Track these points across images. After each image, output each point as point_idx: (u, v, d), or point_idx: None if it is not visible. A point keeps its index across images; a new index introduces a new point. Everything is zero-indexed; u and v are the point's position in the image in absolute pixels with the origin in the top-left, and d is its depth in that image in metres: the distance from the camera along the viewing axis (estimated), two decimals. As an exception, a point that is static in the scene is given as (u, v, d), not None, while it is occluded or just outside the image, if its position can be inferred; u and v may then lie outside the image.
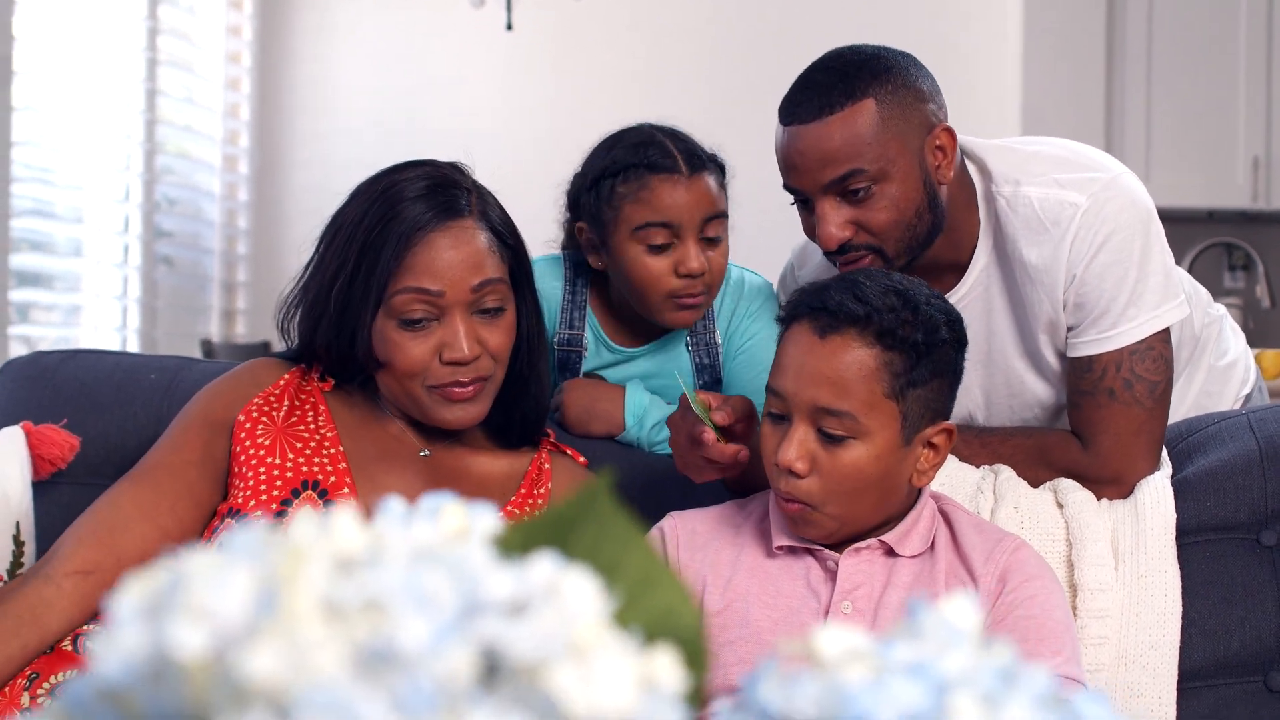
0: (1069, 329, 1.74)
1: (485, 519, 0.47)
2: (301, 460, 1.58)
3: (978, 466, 1.74)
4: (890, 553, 1.46)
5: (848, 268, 1.68)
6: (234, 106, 5.10)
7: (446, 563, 0.40)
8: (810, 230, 1.73)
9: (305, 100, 5.28)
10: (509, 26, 4.53)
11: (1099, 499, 1.71)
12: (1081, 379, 1.74)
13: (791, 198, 1.75)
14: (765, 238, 2.75)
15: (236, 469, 1.58)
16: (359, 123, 5.19)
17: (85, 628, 1.48)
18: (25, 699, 1.41)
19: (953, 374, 1.45)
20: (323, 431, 1.62)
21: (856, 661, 0.44)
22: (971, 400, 1.86)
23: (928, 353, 1.39)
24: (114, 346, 4.31)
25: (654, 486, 1.72)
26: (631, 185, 1.75)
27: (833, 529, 1.44)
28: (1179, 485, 1.71)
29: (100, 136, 4.28)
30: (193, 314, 4.87)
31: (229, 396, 1.64)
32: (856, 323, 1.37)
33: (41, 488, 1.73)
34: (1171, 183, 4.64)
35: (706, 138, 1.86)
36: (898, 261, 1.69)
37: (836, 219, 1.67)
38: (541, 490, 1.67)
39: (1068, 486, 1.71)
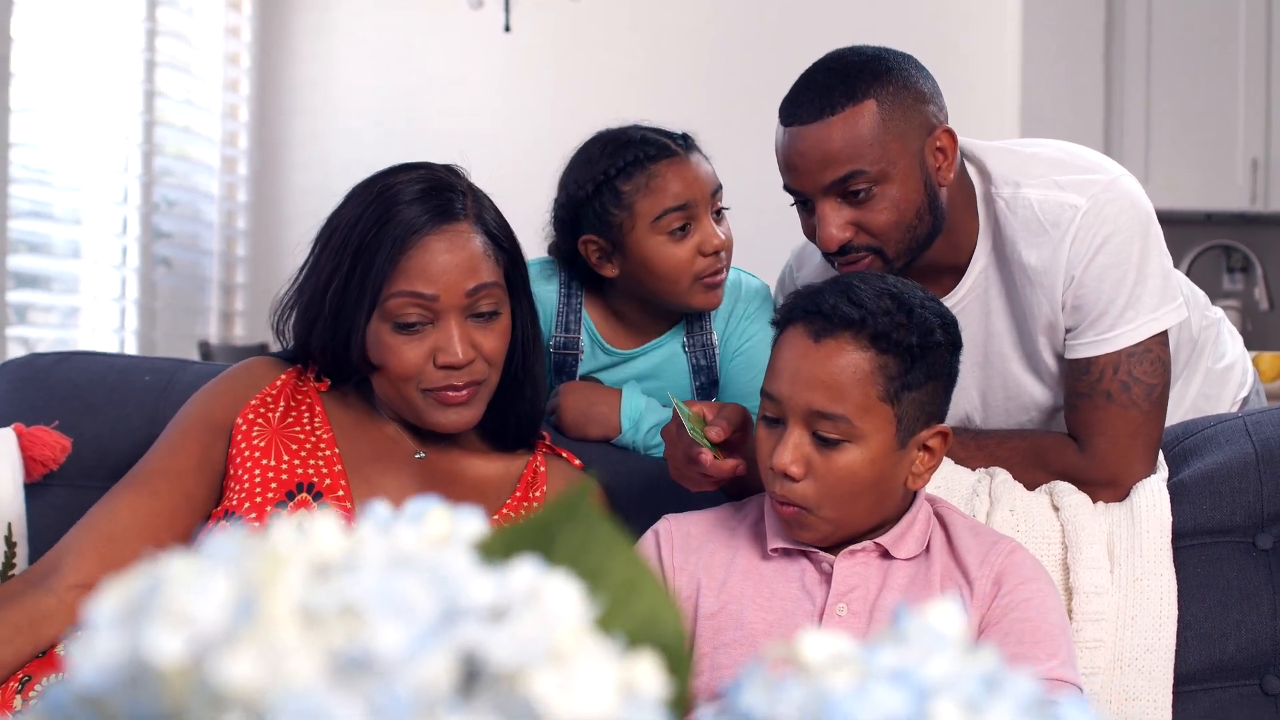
0: (1067, 331, 1.74)
1: (470, 524, 0.47)
2: (297, 462, 1.57)
3: (974, 469, 1.74)
4: (885, 555, 1.46)
5: (847, 269, 1.68)
6: (233, 108, 5.10)
7: (425, 568, 0.39)
8: (810, 231, 1.73)
9: (304, 102, 5.28)
10: (507, 28, 4.53)
11: (1095, 502, 1.71)
12: (1079, 381, 1.73)
13: (791, 199, 1.74)
14: (764, 238, 2.75)
15: (232, 471, 1.58)
16: (358, 124, 5.19)
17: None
18: (18, 701, 1.41)
19: (947, 377, 1.45)
20: (318, 433, 1.62)
21: (840, 667, 0.44)
22: (969, 402, 1.85)
23: (922, 356, 1.39)
24: (112, 348, 4.31)
25: (649, 489, 1.72)
26: (638, 179, 1.75)
27: (828, 532, 1.43)
28: (1175, 488, 1.71)
29: (98, 138, 4.28)
30: (191, 315, 4.87)
31: (227, 398, 1.63)
32: (851, 326, 1.37)
33: (34, 489, 1.73)
34: (1170, 185, 4.63)
35: (705, 139, 1.87)
36: (897, 263, 1.69)
37: (837, 220, 1.67)
38: (537, 493, 1.67)
39: (1063, 489, 1.71)
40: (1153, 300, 1.71)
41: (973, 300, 1.81)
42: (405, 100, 5.20)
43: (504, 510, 1.63)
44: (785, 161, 1.70)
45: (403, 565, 0.39)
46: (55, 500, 1.74)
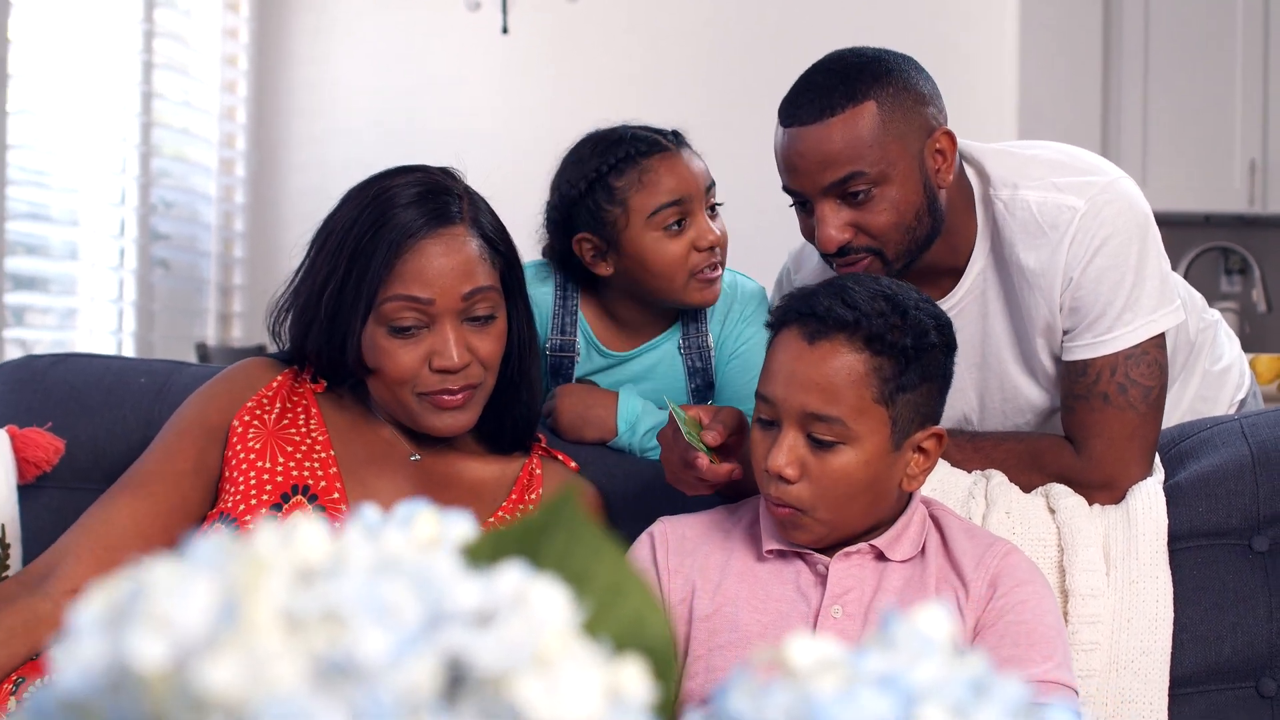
0: (1064, 332, 1.74)
1: (458, 528, 0.46)
2: (292, 464, 1.57)
3: (969, 471, 1.74)
4: (881, 557, 1.46)
5: (846, 270, 1.68)
6: (230, 109, 5.10)
7: (411, 573, 0.39)
8: (809, 232, 1.73)
9: (302, 103, 5.28)
10: (505, 29, 4.54)
11: (1091, 504, 1.71)
12: (1076, 383, 1.73)
13: (789, 200, 1.74)
14: (764, 238, 2.75)
15: (228, 473, 1.58)
16: (356, 126, 5.19)
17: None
18: (12, 704, 1.41)
19: (942, 378, 1.45)
20: (314, 435, 1.61)
21: (828, 671, 0.44)
22: (966, 403, 1.85)
23: (917, 357, 1.39)
24: (110, 350, 4.31)
25: (644, 492, 1.72)
26: (632, 176, 1.75)
27: (822, 534, 1.43)
28: (1171, 490, 1.71)
29: (96, 140, 4.28)
30: (189, 317, 4.87)
31: (223, 400, 1.63)
32: (845, 328, 1.37)
33: (27, 491, 1.72)
34: (1168, 186, 4.64)
35: (703, 140, 1.87)
36: (896, 264, 1.69)
37: (836, 221, 1.67)
38: (533, 495, 1.66)
39: (1059, 492, 1.71)
40: (1150, 302, 1.71)
41: (971, 302, 1.81)
42: (403, 102, 5.20)
43: (500, 513, 1.63)
44: (784, 162, 1.70)
45: (388, 570, 0.39)
46: (49, 502, 1.73)
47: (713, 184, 1.81)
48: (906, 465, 1.44)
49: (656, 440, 1.64)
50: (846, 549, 1.46)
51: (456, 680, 0.39)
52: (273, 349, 1.73)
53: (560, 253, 1.85)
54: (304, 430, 1.61)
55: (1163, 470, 1.75)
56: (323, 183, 3.78)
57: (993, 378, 1.84)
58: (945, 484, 1.70)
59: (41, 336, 4.17)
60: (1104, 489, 1.71)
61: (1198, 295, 2.08)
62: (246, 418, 1.61)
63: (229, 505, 1.54)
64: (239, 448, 1.58)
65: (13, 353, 3.76)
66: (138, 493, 1.56)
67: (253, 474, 1.56)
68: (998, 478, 1.72)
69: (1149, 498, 1.69)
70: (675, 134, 1.82)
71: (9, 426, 1.72)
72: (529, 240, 1.89)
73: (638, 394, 1.85)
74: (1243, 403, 2.08)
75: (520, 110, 5.09)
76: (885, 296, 1.39)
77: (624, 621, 0.45)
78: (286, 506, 1.54)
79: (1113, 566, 1.66)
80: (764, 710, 0.43)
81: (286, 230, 4.96)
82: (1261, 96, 4.72)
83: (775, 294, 1.99)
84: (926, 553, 1.47)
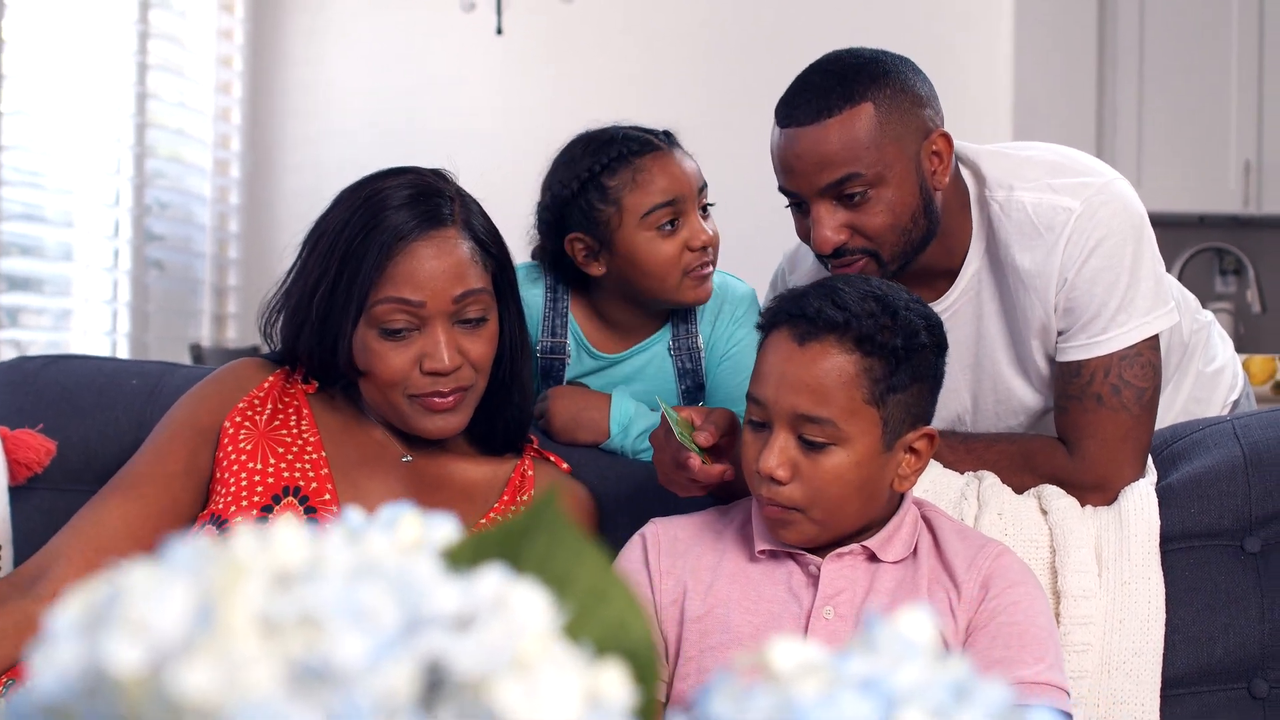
0: (1059, 334, 1.74)
1: (441, 530, 0.46)
2: (283, 466, 1.57)
3: (962, 473, 1.74)
4: (873, 558, 1.46)
5: (841, 271, 1.68)
6: (225, 110, 5.10)
7: (389, 577, 0.39)
8: (804, 233, 1.73)
9: (297, 104, 5.28)
10: (499, 30, 4.54)
11: (1083, 505, 1.71)
12: (1069, 384, 1.73)
13: (785, 200, 1.74)
14: (764, 238, 2.75)
15: (219, 474, 1.57)
16: (350, 127, 5.19)
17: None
18: (1, 705, 1.41)
19: (933, 379, 1.45)
20: (305, 436, 1.61)
21: (810, 675, 0.44)
22: (959, 403, 1.85)
23: (907, 358, 1.38)
24: (104, 351, 4.31)
25: (637, 494, 1.72)
26: (624, 175, 1.75)
27: (813, 534, 1.43)
28: (1163, 491, 1.71)
29: (90, 140, 4.27)
30: (184, 318, 4.86)
31: (214, 401, 1.63)
32: (835, 329, 1.37)
33: (19, 492, 1.72)
34: (1163, 187, 4.64)
35: (699, 141, 1.87)
36: (892, 266, 1.69)
37: (832, 223, 1.67)
38: (524, 497, 1.66)
39: (1052, 493, 1.71)
40: (1145, 304, 1.71)
41: (965, 303, 1.81)
42: (398, 103, 5.20)
43: (491, 514, 1.63)
44: (781, 163, 1.70)
45: (366, 574, 0.39)
46: (41, 504, 1.73)
47: (705, 184, 1.81)
48: (898, 466, 1.44)
49: (649, 442, 1.64)
50: (838, 550, 1.45)
51: (435, 684, 0.39)
52: (265, 350, 1.73)
53: (551, 254, 1.85)
54: (295, 431, 1.61)
55: (1155, 471, 1.75)
56: (317, 184, 3.78)
57: (986, 379, 1.84)
58: (937, 485, 1.70)
59: (36, 338, 4.17)
60: (1096, 490, 1.71)
61: (1191, 296, 2.08)
62: (238, 419, 1.60)
63: (220, 507, 1.54)
64: (230, 449, 1.58)
65: (7, 354, 3.76)
66: (129, 494, 1.55)
67: (244, 475, 1.55)
68: (990, 479, 1.72)
69: (1141, 499, 1.69)
70: (667, 134, 1.82)
71: (0, 428, 1.72)
72: (523, 242, 1.88)
73: (630, 396, 1.85)
74: (1236, 404, 2.09)
75: (515, 111, 5.09)
76: (875, 297, 1.39)
77: (606, 625, 0.45)
78: (278, 508, 1.53)
79: (1105, 568, 1.66)
80: (746, 713, 0.43)
81: (281, 231, 4.96)
82: (1256, 97, 4.72)
83: (769, 295, 1.99)
84: (918, 554, 1.47)
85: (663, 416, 1.54)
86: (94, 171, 4.30)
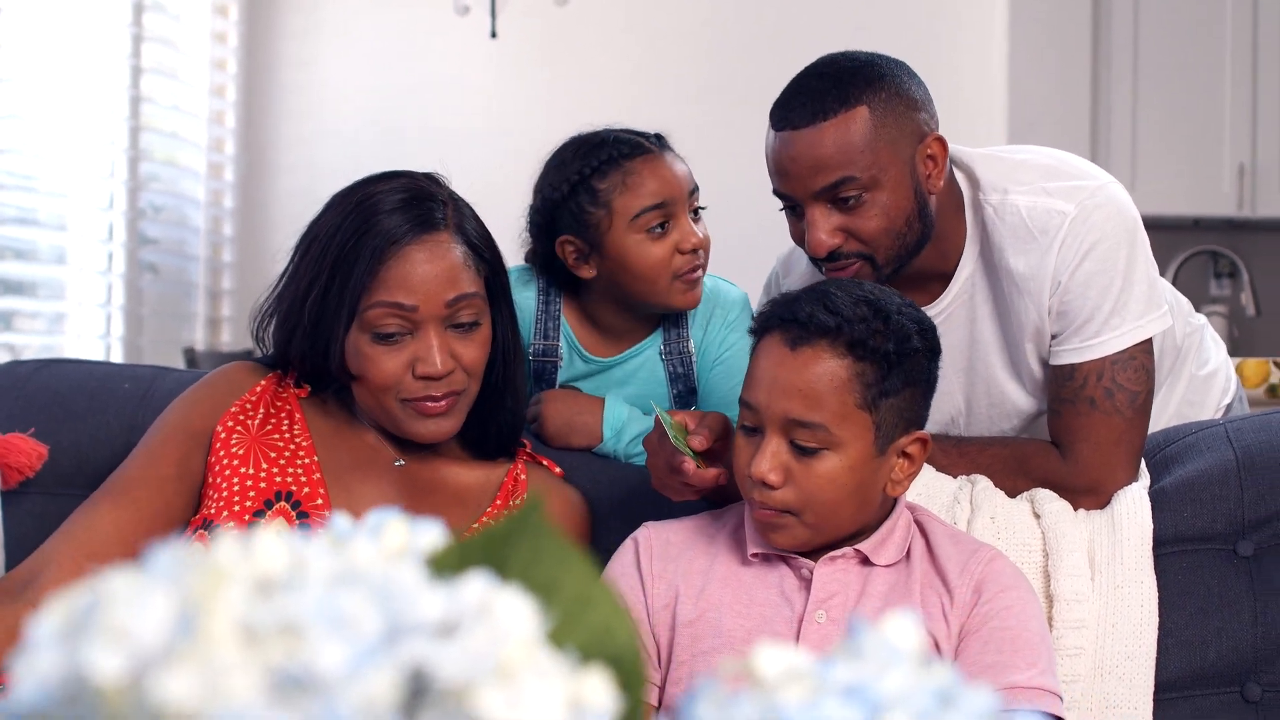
0: (1052, 337, 1.74)
1: (427, 536, 0.46)
2: (275, 470, 1.57)
3: (955, 476, 1.74)
4: (865, 562, 1.46)
5: (835, 275, 1.68)
6: (219, 113, 5.09)
7: (371, 584, 0.39)
8: (799, 237, 1.73)
9: (291, 106, 5.28)
10: (494, 33, 4.54)
11: (1076, 509, 1.71)
12: (1063, 387, 1.73)
13: (780, 203, 1.74)
14: (755, 242, 2.75)
15: (211, 479, 1.57)
16: (345, 129, 5.19)
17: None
18: (-8, 710, 1.41)
19: (926, 383, 1.44)
20: (298, 440, 1.61)
21: (795, 681, 0.44)
22: (953, 405, 1.85)
23: (899, 362, 1.38)
24: (98, 354, 4.30)
25: (630, 497, 1.72)
26: (614, 178, 1.75)
27: (805, 537, 1.43)
28: (1156, 495, 1.71)
29: (84, 144, 4.27)
30: (178, 321, 4.86)
31: (206, 405, 1.63)
32: (827, 334, 1.37)
33: (10, 497, 1.72)
34: (1157, 190, 4.65)
35: (693, 144, 1.86)
36: (886, 269, 1.69)
37: (826, 226, 1.66)
38: (517, 501, 1.66)
39: (1045, 497, 1.71)
40: (1138, 307, 1.71)
41: (959, 306, 1.81)
42: (392, 105, 5.20)
43: (484, 518, 1.63)
44: (775, 166, 1.70)
45: (348, 581, 0.39)
46: (33, 508, 1.73)
47: (696, 188, 1.80)
48: (891, 470, 1.44)
49: (642, 446, 1.64)
50: (831, 553, 1.45)
51: (418, 692, 0.39)
52: (258, 354, 1.72)
53: (543, 256, 1.85)
54: (288, 436, 1.61)
55: (1148, 475, 1.75)
56: (312, 187, 3.78)
57: (980, 382, 1.84)
58: (930, 489, 1.70)
59: (30, 341, 4.16)
60: (1089, 494, 1.71)
61: (1184, 300, 2.08)
62: (230, 423, 1.60)
63: (212, 511, 1.54)
64: (222, 453, 1.57)
65: (1, 358, 3.75)
66: (120, 499, 1.55)
67: (236, 480, 1.55)
68: (983, 483, 1.72)
69: (1134, 503, 1.69)
70: (658, 137, 1.82)
71: (-10, 432, 1.72)
72: (516, 245, 1.88)
73: (623, 400, 1.84)
74: (1229, 407, 2.09)
75: (509, 114, 5.09)
76: (868, 302, 1.39)
77: (591, 631, 0.45)
78: (270, 513, 1.53)
79: (1098, 571, 1.66)
80: (730, 720, 0.43)
81: (275, 234, 4.96)
82: (1250, 100, 4.73)
83: (763, 298, 1.99)
84: (911, 558, 1.47)
85: (656, 420, 1.53)
86: (88, 175, 4.29)
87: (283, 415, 1.63)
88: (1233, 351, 4.46)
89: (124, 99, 4.41)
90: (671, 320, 1.87)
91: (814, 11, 4.98)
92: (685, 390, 1.87)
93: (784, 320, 1.40)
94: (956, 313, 1.81)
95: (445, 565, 0.44)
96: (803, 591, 1.45)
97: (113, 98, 4.38)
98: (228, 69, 5.13)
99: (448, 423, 1.60)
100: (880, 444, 1.40)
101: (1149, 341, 1.73)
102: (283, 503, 1.54)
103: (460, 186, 1.67)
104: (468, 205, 1.64)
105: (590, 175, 1.76)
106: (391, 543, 0.44)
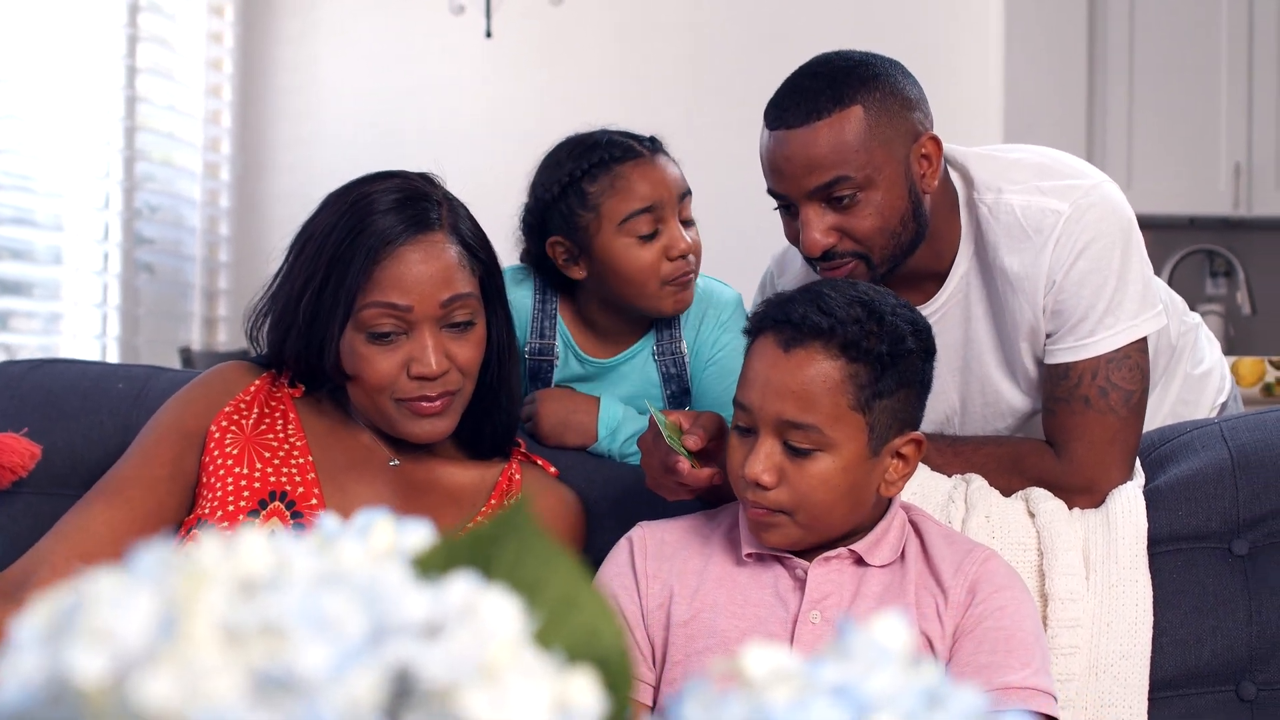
0: (1047, 336, 1.74)
1: (414, 536, 0.46)
2: (270, 470, 1.56)
3: (949, 476, 1.74)
4: (860, 562, 1.46)
5: (830, 274, 1.68)
6: (215, 113, 5.09)
7: (356, 584, 0.39)
8: (793, 236, 1.73)
9: (286, 107, 5.27)
10: (489, 34, 4.53)
11: (1071, 508, 1.71)
12: (1057, 386, 1.74)
13: (774, 203, 1.74)
14: (751, 241, 2.74)
15: (205, 479, 1.57)
16: (341, 129, 5.18)
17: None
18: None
19: (920, 384, 1.44)
20: (292, 440, 1.61)
21: (783, 682, 0.44)
22: (948, 405, 1.85)
23: (893, 363, 1.38)
24: (94, 355, 4.29)
25: (624, 496, 1.72)
26: (604, 181, 1.74)
27: (798, 537, 1.43)
28: (1151, 494, 1.71)
29: (80, 144, 4.26)
30: (174, 321, 4.85)
31: (200, 405, 1.62)
32: (821, 335, 1.37)
33: (3, 497, 1.71)
34: (1153, 189, 4.64)
35: (688, 145, 1.86)
36: (881, 269, 1.69)
37: (820, 225, 1.66)
38: (511, 501, 1.66)
39: (1039, 496, 1.71)
40: (1133, 306, 1.71)
41: (954, 306, 1.81)
42: (387, 106, 5.19)
43: (479, 518, 1.63)
44: (770, 165, 1.70)
45: (331, 582, 0.39)
46: (26, 508, 1.72)
47: (687, 192, 1.79)
48: (885, 471, 1.43)
49: (637, 446, 1.64)
50: (825, 554, 1.45)
51: (403, 693, 0.39)
52: (253, 354, 1.72)
53: (535, 256, 1.85)
54: (282, 436, 1.61)
55: (1143, 474, 1.75)
56: (308, 187, 3.78)
57: (974, 381, 1.84)
58: (925, 488, 1.70)
59: (26, 341, 4.15)
60: (1084, 493, 1.71)
61: (1178, 299, 2.08)
62: (224, 423, 1.60)
63: (206, 511, 1.53)
64: (216, 453, 1.57)
65: (-4, 358, 3.75)
66: (114, 499, 1.55)
67: (230, 480, 1.55)
68: (977, 482, 1.72)
69: (1128, 501, 1.69)
70: (653, 140, 1.81)
71: (-17, 431, 1.71)
72: (512, 245, 1.88)
73: (619, 400, 1.84)
74: (1224, 406, 2.09)
75: (504, 114, 5.09)
76: (861, 303, 1.39)
77: (577, 632, 0.45)
78: (264, 513, 1.53)
79: (1092, 570, 1.66)
80: (717, 720, 0.43)
81: (272, 234, 4.94)
82: (1246, 99, 4.73)
83: (758, 297, 1.99)
84: (906, 558, 1.47)
85: (651, 420, 1.53)
86: (83, 175, 4.29)
87: (277, 415, 1.63)
88: (1229, 350, 4.46)
89: (120, 99, 4.41)
90: (664, 321, 1.86)
91: (810, 12, 4.98)
92: (679, 391, 1.87)
93: (777, 321, 1.40)
94: (951, 312, 1.81)
95: (431, 566, 0.44)
96: (797, 592, 1.45)
97: (108, 98, 4.37)
98: (223, 69, 5.13)
99: (442, 423, 1.59)
100: (874, 445, 1.40)
101: (1144, 340, 1.73)
102: (277, 503, 1.54)
103: (455, 186, 1.67)
104: (462, 205, 1.64)
105: (581, 178, 1.75)
106: (379, 543, 0.44)
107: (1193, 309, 2.13)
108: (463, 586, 0.41)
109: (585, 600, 0.45)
